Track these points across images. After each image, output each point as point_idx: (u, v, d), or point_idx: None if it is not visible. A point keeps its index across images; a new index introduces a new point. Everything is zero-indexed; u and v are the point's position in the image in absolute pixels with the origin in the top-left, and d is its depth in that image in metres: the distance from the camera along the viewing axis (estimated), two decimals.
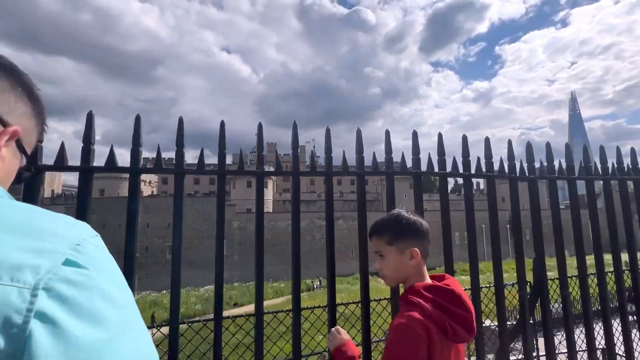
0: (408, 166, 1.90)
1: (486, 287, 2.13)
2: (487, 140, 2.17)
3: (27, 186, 1.23)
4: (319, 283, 33.72)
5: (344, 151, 1.74)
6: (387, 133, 1.84)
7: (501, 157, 2.25)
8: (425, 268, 1.25)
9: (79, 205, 1.28)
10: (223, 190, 1.52)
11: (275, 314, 1.64)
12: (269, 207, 53.40)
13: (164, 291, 31.56)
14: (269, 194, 55.52)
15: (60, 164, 1.31)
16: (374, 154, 1.80)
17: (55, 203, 50.94)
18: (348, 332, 1.32)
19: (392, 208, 1.82)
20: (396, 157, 1.91)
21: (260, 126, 1.62)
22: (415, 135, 1.91)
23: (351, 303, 1.83)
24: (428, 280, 1.23)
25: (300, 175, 1.65)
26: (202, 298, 29.68)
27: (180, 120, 1.47)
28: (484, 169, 2.16)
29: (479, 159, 2.17)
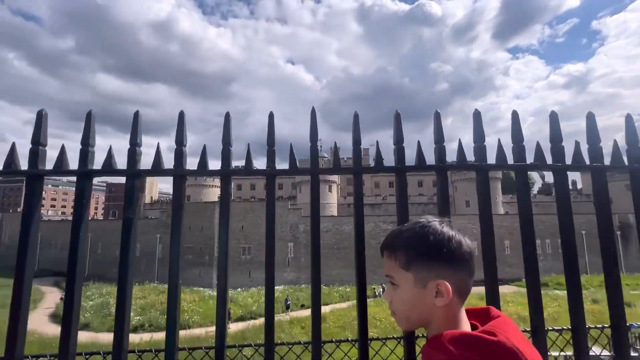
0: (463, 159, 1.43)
1: (597, 327, 1.50)
2: (590, 116, 1.54)
3: (28, 191, 1.20)
4: (381, 290, 32.48)
5: (377, 142, 1.37)
6: (437, 115, 1.40)
7: (615, 140, 1.59)
8: (462, 310, 0.80)
9: (77, 206, 1.20)
10: (227, 192, 1.30)
11: (290, 347, 1.35)
12: (333, 210, 53.77)
13: (239, 289, 34.13)
14: (333, 197, 55.98)
15: (59, 168, 1.25)
16: (418, 142, 1.38)
17: (152, 208, 60.89)
18: None
19: (447, 213, 1.39)
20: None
21: (271, 116, 1.36)
22: (477, 116, 1.42)
23: (390, 339, 1.42)
24: (464, 327, 0.78)
25: (319, 173, 1.34)
26: None
27: (180, 117, 1.30)
28: (587, 160, 1.55)
29: (577, 144, 1.57)
